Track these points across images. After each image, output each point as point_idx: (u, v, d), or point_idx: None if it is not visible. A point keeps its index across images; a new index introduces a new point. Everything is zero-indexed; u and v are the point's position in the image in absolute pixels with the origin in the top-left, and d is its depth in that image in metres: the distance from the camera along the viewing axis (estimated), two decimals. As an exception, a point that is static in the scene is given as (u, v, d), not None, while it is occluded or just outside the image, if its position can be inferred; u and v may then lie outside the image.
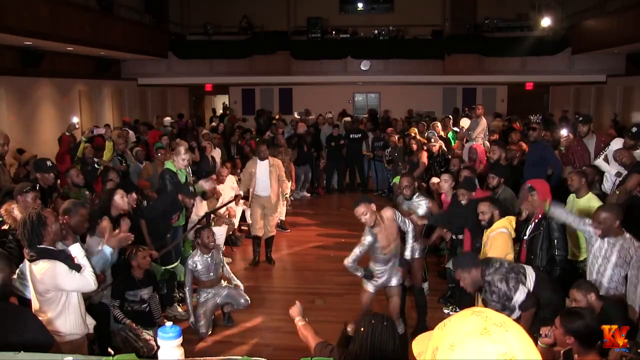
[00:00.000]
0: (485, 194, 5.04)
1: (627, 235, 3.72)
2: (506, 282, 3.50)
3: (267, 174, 6.77)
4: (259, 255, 6.92)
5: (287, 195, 7.30)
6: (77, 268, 3.10)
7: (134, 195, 4.98)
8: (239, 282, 5.37)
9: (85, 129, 12.05)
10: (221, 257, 5.22)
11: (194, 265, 4.88)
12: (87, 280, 3.12)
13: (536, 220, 4.31)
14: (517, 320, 3.52)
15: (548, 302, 3.59)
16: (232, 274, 5.39)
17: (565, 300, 3.92)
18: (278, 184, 6.87)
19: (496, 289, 3.49)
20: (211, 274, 4.97)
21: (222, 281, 5.18)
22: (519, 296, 3.49)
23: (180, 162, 5.79)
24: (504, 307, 3.53)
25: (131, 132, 10.09)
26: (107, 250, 3.65)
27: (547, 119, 11.40)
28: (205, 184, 6.16)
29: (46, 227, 3.05)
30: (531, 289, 3.57)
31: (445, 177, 5.60)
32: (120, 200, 4.57)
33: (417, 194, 5.09)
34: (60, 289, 3.07)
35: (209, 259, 4.93)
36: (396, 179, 6.28)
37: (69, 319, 3.14)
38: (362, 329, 2.45)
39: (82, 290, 3.19)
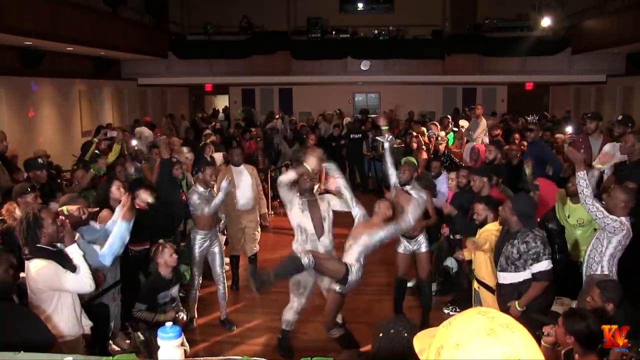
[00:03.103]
0: (500, 197, 4.97)
1: (623, 219, 3.73)
2: (544, 247, 3.56)
3: (248, 182, 6.05)
4: (238, 277, 6.26)
5: (265, 212, 6.65)
6: (73, 269, 3.10)
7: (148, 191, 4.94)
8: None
9: (85, 129, 12.13)
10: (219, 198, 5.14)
11: (194, 200, 5.00)
12: (82, 281, 3.11)
13: None
14: (517, 284, 3.64)
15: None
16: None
17: (554, 300, 3.94)
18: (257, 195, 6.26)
19: (532, 244, 3.55)
20: (206, 209, 4.98)
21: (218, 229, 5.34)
22: (543, 265, 3.55)
23: (182, 160, 5.83)
24: (519, 260, 3.59)
25: (149, 132, 10.12)
26: (123, 225, 3.58)
27: (550, 120, 11.42)
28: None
29: (42, 228, 3.05)
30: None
31: (452, 176, 5.56)
32: (117, 191, 4.55)
33: (411, 185, 4.96)
34: (55, 288, 3.07)
35: (206, 193, 5.04)
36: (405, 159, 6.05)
37: (62, 319, 3.13)
38: (380, 334, 2.40)
39: (77, 291, 3.17)
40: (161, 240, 4.61)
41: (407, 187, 4.93)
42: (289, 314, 4.62)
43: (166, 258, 4.32)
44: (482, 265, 4.19)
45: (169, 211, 5.35)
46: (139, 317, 4.21)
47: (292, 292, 4.63)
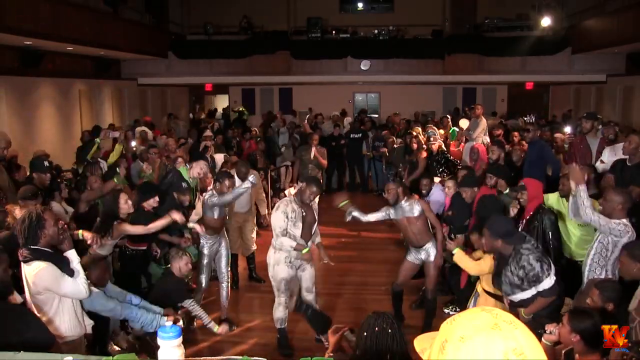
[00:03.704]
0: (492, 192, 5.05)
1: (624, 220, 3.73)
2: (541, 265, 3.46)
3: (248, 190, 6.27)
4: (238, 277, 6.36)
5: (265, 213, 6.79)
6: (70, 273, 3.10)
7: (157, 198, 4.90)
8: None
9: (85, 129, 12.12)
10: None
11: (213, 202, 5.02)
12: (79, 287, 3.10)
13: (527, 218, 4.33)
14: (528, 300, 3.55)
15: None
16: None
17: (564, 301, 3.94)
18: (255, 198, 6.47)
19: (529, 267, 3.44)
20: (222, 214, 5.15)
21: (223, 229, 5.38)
22: (547, 283, 3.46)
23: (195, 171, 5.84)
24: (522, 284, 3.50)
25: (150, 132, 10.15)
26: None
27: (550, 121, 11.45)
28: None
29: (43, 229, 3.05)
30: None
31: (449, 184, 5.52)
32: (125, 204, 4.58)
33: (405, 199, 4.83)
34: (52, 291, 3.06)
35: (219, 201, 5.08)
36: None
37: (64, 320, 3.13)
38: (364, 333, 2.37)
39: (74, 296, 3.16)
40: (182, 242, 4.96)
41: (401, 204, 4.79)
42: (279, 311, 4.69)
43: (181, 265, 4.52)
44: (487, 277, 4.17)
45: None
46: (193, 310, 4.49)
47: (277, 289, 4.68)
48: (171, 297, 4.41)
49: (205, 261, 5.14)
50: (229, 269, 5.38)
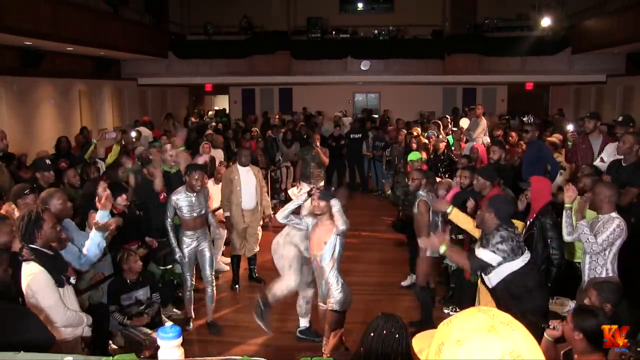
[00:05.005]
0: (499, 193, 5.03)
1: (613, 214, 3.75)
2: (499, 240, 3.59)
3: (253, 182, 6.17)
4: (238, 277, 6.32)
5: (270, 214, 6.52)
6: (62, 282, 3.09)
7: (124, 196, 4.89)
8: (222, 233, 5.76)
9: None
10: (207, 201, 5.26)
11: (176, 202, 4.96)
12: (59, 309, 3.06)
13: (530, 220, 4.31)
14: (506, 279, 3.66)
15: (523, 294, 3.59)
16: (215, 224, 5.54)
17: (549, 301, 3.93)
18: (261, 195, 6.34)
19: (490, 237, 3.64)
20: (194, 213, 5.01)
21: (207, 230, 5.29)
22: (485, 254, 3.61)
23: (168, 158, 5.80)
24: (485, 244, 3.69)
25: (148, 131, 10.14)
26: (97, 236, 3.57)
27: (546, 120, 11.43)
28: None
29: (41, 229, 3.05)
30: (511, 270, 3.64)
31: (466, 174, 5.42)
32: (103, 192, 4.52)
33: (423, 190, 5.01)
34: (36, 298, 3.05)
35: (192, 199, 4.99)
36: (412, 155, 6.22)
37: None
38: (371, 333, 2.37)
39: (49, 313, 3.08)
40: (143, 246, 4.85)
41: (420, 194, 4.92)
42: (279, 290, 4.64)
43: (131, 265, 4.50)
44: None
45: (154, 212, 5.35)
46: (114, 317, 4.44)
47: (288, 267, 4.69)
48: (115, 295, 4.48)
49: (185, 260, 5.09)
50: (226, 270, 5.36)
